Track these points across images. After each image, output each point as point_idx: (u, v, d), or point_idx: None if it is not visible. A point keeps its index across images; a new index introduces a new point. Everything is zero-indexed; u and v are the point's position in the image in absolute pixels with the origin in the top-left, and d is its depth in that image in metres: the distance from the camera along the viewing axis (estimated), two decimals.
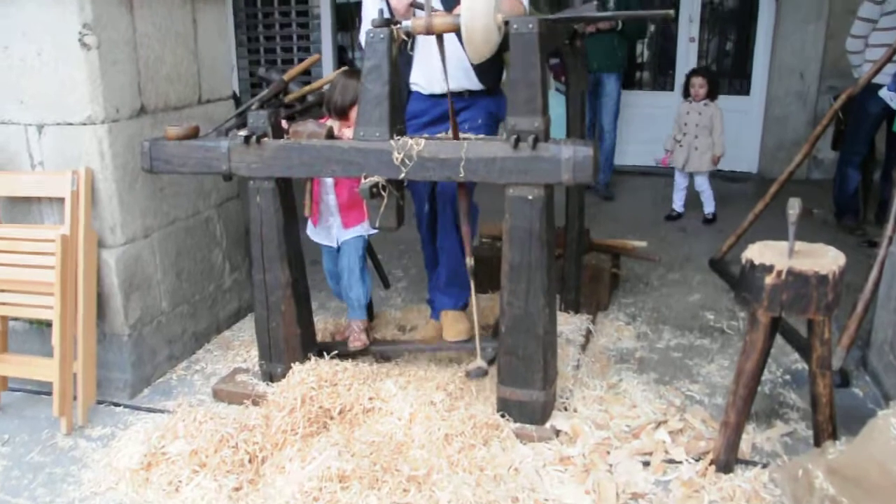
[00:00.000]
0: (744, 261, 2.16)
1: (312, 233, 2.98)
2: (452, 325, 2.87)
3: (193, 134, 2.61)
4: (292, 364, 2.67)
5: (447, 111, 2.79)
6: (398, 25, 2.33)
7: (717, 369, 2.94)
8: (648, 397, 2.67)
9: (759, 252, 2.12)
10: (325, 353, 2.75)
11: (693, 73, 5.08)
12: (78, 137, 2.61)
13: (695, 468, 2.21)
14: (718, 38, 6.87)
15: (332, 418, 2.48)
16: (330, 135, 2.48)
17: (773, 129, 6.50)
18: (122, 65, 2.67)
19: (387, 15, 2.56)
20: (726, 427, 2.20)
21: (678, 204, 5.27)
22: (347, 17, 7.44)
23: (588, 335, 3.16)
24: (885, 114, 4.51)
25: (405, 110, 2.70)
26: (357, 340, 2.86)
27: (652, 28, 6.77)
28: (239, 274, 3.52)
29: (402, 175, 2.32)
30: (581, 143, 2.19)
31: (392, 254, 4.33)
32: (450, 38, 2.59)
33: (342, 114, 2.72)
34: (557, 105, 6.66)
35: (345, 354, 2.82)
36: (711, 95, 4.98)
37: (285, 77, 3.06)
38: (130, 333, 2.81)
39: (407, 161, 2.30)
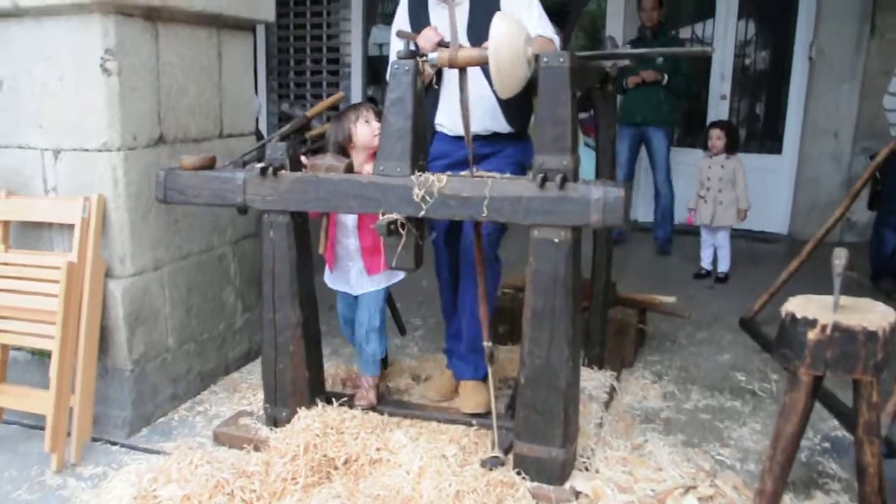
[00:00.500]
0: (784, 314, 1.99)
1: (329, 278, 2.87)
2: (471, 397, 2.71)
3: (210, 164, 2.54)
4: (298, 409, 2.53)
5: (474, 154, 2.71)
6: (424, 58, 2.26)
7: (750, 433, 2.75)
8: (675, 460, 2.48)
9: (801, 306, 1.96)
10: (333, 401, 2.61)
11: (712, 125, 4.99)
12: (93, 164, 2.55)
13: None
14: (750, 96, 6.79)
15: (336, 468, 2.33)
16: (349, 169, 2.39)
17: (805, 189, 6.35)
18: (143, 92, 2.63)
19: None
20: (762, 496, 2.00)
21: (706, 262, 5.10)
22: (378, 71, 7.50)
23: (612, 392, 2.99)
24: None
25: (428, 148, 2.61)
26: (364, 399, 2.71)
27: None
28: (251, 314, 3.41)
29: (422, 213, 2.22)
30: (612, 184, 2.08)
31: (411, 302, 4.20)
32: (477, 77, 2.52)
33: (339, 150, 2.63)
34: (587, 160, 6.60)
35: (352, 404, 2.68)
36: (730, 149, 4.86)
37: (308, 113, 3.01)
38: (133, 369, 2.69)
39: (427, 198, 2.20)
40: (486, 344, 2.44)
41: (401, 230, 2.24)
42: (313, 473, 2.27)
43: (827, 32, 6.05)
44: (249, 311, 3.40)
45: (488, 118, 2.64)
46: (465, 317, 2.74)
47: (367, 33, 7.38)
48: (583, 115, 6.84)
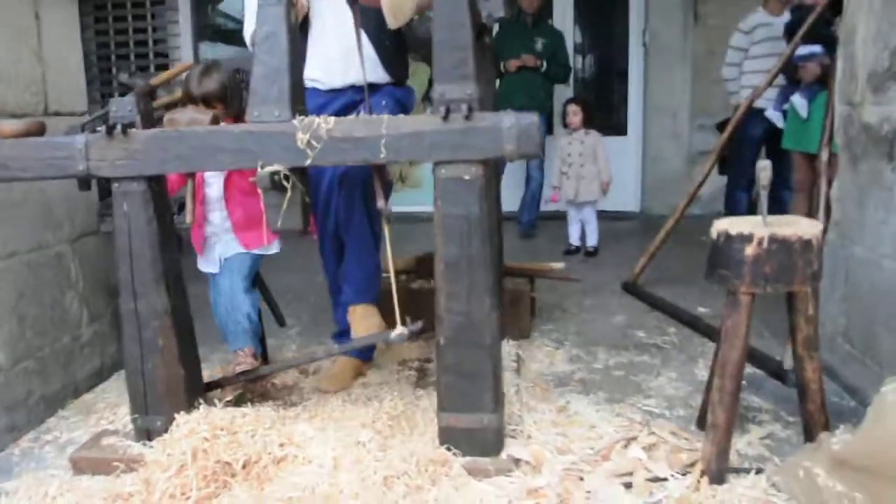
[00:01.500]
0: (715, 234, 1.90)
1: (200, 263, 2.51)
2: (362, 321, 2.47)
3: (37, 131, 2.10)
4: (176, 415, 2.12)
5: (349, 103, 2.47)
6: None
7: (668, 382, 2.67)
8: (605, 417, 2.33)
9: (731, 224, 1.88)
10: (216, 403, 2.22)
11: (568, 101, 5.05)
12: None
13: (684, 483, 1.87)
14: (594, 84, 7.00)
15: (234, 475, 1.95)
16: (215, 122, 2.05)
17: (651, 168, 6.62)
18: None
19: None
20: (715, 430, 1.88)
21: (574, 237, 5.12)
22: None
23: (519, 361, 2.81)
24: (765, 136, 4.64)
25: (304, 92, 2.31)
26: (243, 364, 2.37)
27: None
28: (100, 325, 2.91)
29: (309, 161, 1.92)
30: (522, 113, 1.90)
31: (280, 302, 3.82)
32: (348, 28, 2.28)
33: (206, 103, 2.30)
34: None
35: (241, 400, 2.31)
36: (588, 124, 4.93)
37: (152, 81, 2.60)
38: None
39: (314, 143, 1.91)
40: (382, 203, 2.17)
41: (284, 183, 1.92)
42: (207, 484, 1.89)
43: (657, 20, 6.38)
44: (98, 320, 2.89)
45: (366, 69, 2.39)
46: (351, 254, 2.54)
47: (196, 49, 6.80)
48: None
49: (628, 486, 1.91)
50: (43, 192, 2.57)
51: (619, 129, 6.65)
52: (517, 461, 2.01)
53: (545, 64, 5.38)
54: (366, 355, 2.76)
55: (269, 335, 2.91)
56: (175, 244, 2.18)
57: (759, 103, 4.36)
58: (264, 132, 1.93)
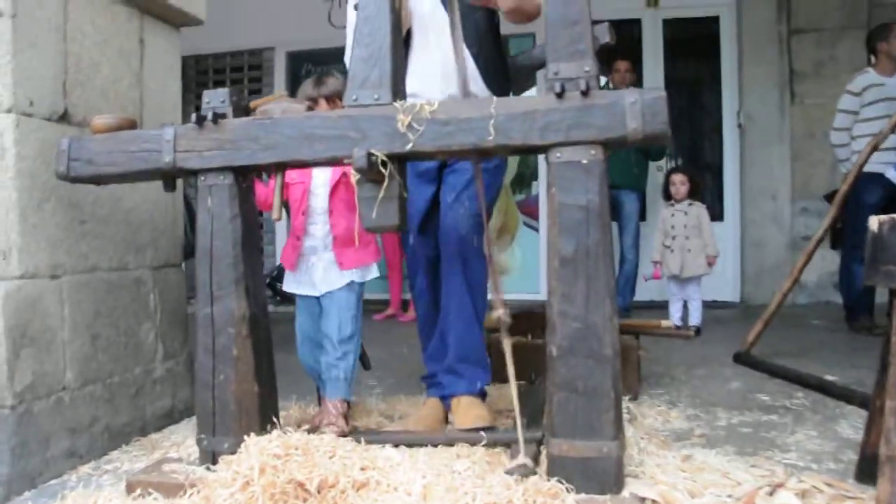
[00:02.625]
0: (876, 227, 1.60)
1: (288, 282, 2.33)
2: (467, 412, 2.16)
3: (129, 127, 2.02)
4: (246, 437, 1.88)
5: None
6: None
7: (807, 438, 2.27)
8: (738, 467, 1.95)
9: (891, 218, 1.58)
10: (291, 430, 1.97)
11: (673, 171, 4.79)
12: None
13: None
14: (686, 166, 6.76)
15: (306, 498, 1.67)
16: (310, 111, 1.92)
17: (751, 254, 6.23)
18: (45, 52, 2.12)
19: None
20: (892, 464, 1.51)
21: (676, 317, 4.71)
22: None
23: (630, 414, 2.46)
24: (881, 203, 4.27)
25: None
26: (332, 425, 2.10)
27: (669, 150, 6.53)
28: (175, 364, 2.74)
29: (410, 145, 1.75)
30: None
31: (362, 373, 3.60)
32: (446, 38, 2.17)
33: (328, 101, 2.21)
34: (531, 244, 6.30)
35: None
36: (693, 194, 4.66)
37: (251, 105, 2.55)
38: (15, 406, 1.99)
39: (416, 126, 1.74)
40: (502, 312, 1.87)
41: (382, 169, 1.75)
42: (276, 503, 1.62)
43: (752, 100, 6.18)
44: (173, 358, 2.73)
45: (466, 81, 2.26)
46: (452, 316, 2.22)
47: None
48: (520, 197, 6.61)
49: None
50: (128, 213, 2.50)
51: (716, 213, 6.34)
52: (642, 500, 1.66)
53: None
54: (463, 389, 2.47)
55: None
56: (259, 247, 2.02)
57: (874, 167, 4.05)
58: (363, 116, 1.79)
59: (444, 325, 2.29)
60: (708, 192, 6.53)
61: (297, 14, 6.15)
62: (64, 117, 2.21)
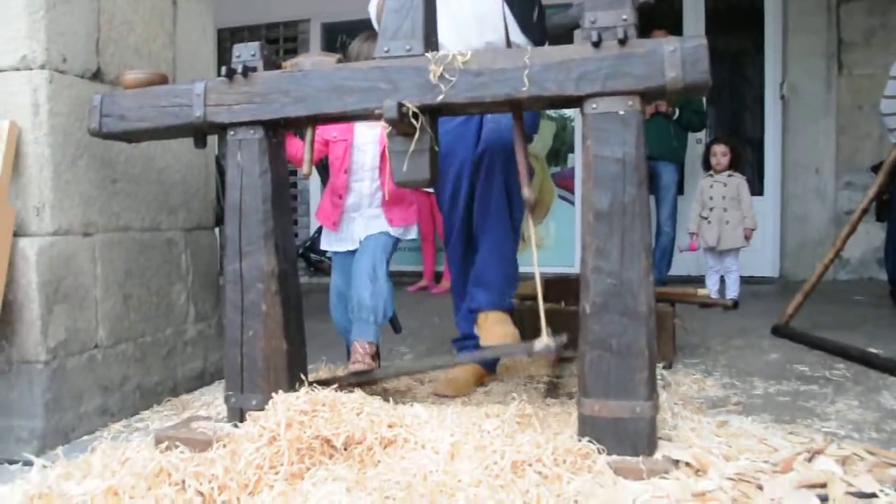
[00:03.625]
0: None
1: (327, 239, 2.33)
2: (494, 328, 2.13)
3: (160, 82, 2.01)
4: (274, 394, 1.87)
5: None
6: None
7: (847, 408, 2.19)
8: (776, 433, 1.89)
9: None
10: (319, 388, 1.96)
11: (714, 141, 4.66)
12: (6, 83, 1.99)
13: None
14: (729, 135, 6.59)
15: (332, 455, 1.66)
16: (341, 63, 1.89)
17: (792, 229, 6.06)
18: (78, 7, 2.12)
19: None
20: None
21: (713, 290, 4.60)
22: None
23: (665, 381, 2.41)
24: None
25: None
26: (359, 363, 2.10)
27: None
28: (206, 327, 2.76)
29: (442, 97, 1.71)
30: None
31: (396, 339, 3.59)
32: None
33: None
34: (566, 214, 6.18)
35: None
36: (734, 166, 4.53)
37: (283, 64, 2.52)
38: (48, 361, 2.01)
39: (448, 77, 1.70)
40: (525, 191, 1.82)
41: (413, 121, 1.71)
42: (301, 458, 1.61)
43: (796, 71, 5.98)
44: (204, 321, 2.74)
45: (499, 28, 2.20)
46: (489, 223, 2.20)
47: None
48: (555, 170, 6.48)
49: (824, 499, 1.47)
50: (161, 173, 2.50)
51: (756, 188, 6.17)
52: (676, 463, 1.62)
53: (678, 111, 5.09)
54: (489, 366, 2.45)
55: (382, 352, 2.67)
56: (289, 204, 2.01)
57: None
58: (394, 67, 1.75)
59: (480, 232, 2.24)
60: (749, 164, 6.38)
61: None
62: (97, 75, 2.21)
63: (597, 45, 1.62)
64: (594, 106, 1.64)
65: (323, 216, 2.33)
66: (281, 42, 6.53)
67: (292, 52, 6.46)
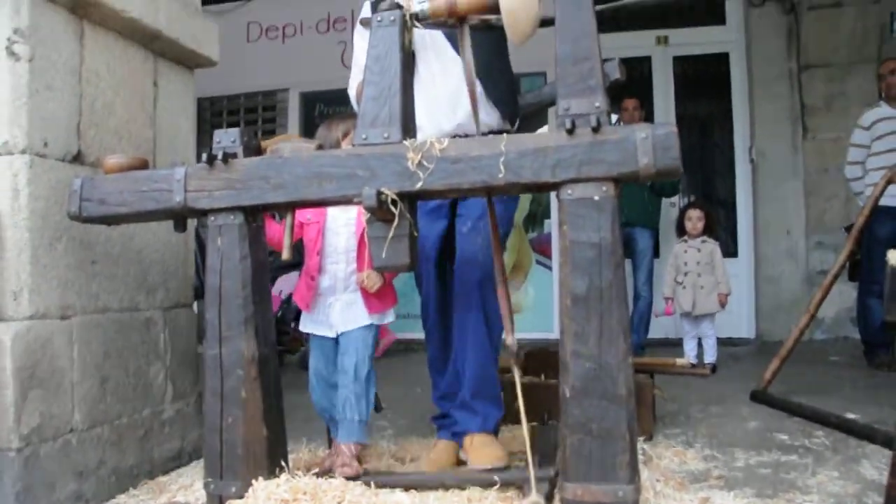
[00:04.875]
0: (894, 262, 1.57)
1: (304, 321, 2.32)
2: (481, 451, 2.12)
3: (140, 166, 2.03)
4: (254, 481, 1.85)
5: None
6: (411, 9, 1.89)
7: (828, 479, 2.20)
8: None
9: None
10: (300, 474, 1.93)
11: (690, 206, 4.76)
12: None
13: None
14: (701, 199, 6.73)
15: None
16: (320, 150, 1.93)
17: (766, 290, 6.16)
18: (60, 94, 2.15)
19: None
20: None
21: (691, 355, 4.61)
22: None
23: (645, 455, 2.40)
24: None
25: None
26: (346, 466, 2.06)
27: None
28: (185, 405, 2.72)
29: (420, 184, 1.75)
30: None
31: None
32: (454, 66, 2.17)
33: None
34: (543, 281, 6.22)
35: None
36: (708, 231, 4.62)
37: (262, 144, 2.56)
38: (20, 448, 1.96)
39: (426, 164, 1.74)
40: (509, 338, 1.84)
41: (392, 208, 1.74)
42: None
43: (763, 135, 6.17)
44: (182, 399, 2.71)
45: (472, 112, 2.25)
46: (467, 351, 2.19)
47: None
48: (532, 235, 6.54)
49: None
50: (140, 253, 2.50)
51: (730, 250, 6.28)
52: None
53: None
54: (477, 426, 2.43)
55: None
56: (268, 289, 2.01)
57: (889, 201, 4.02)
58: (372, 154, 1.79)
59: (460, 359, 2.25)
60: (721, 228, 6.49)
61: (310, 55, 6.23)
62: (77, 157, 2.23)
63: (571, 132, 1.68)
64: (569, 192, 1.69)
65: (299, 297, 2.34)
66: (260, 111, 6.62)
67: (271, 121, 6.56)
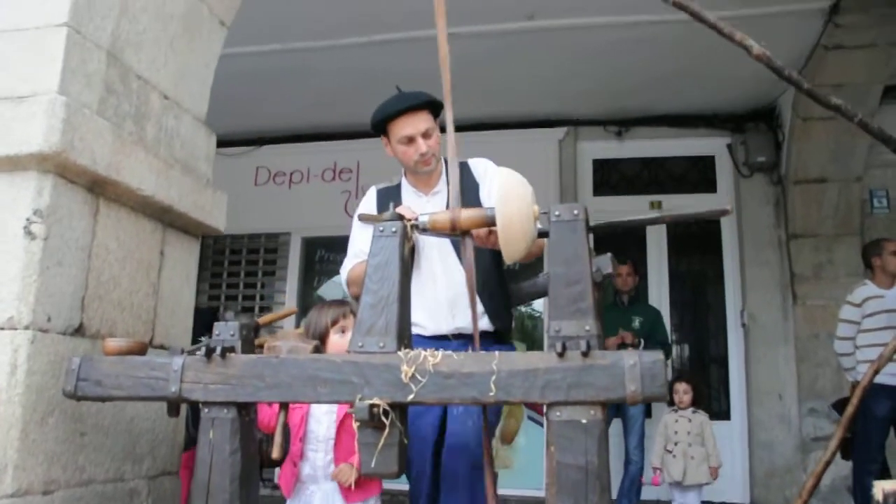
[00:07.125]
0: (881, 497, 1.59)
1: None
2: None
3: (139, 351, 2.08)
4: None
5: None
6: (413, 221, 2.00)
7: None
8: None
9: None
10: None
11: (676, 379, 4.81)
12: None
13: None
14: (690, 367, 6.75)
15: None
16: (317, 351, 1.98)
17: (760, 455, 6.08)
18: (69, 269, 2.22)
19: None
20: None
21: None
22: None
23: None
24: (890, 415, 4.25)
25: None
26: None
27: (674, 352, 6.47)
28: None
29: (412, 396, 1.78)
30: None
31: None
32: (455, 272, 2.28)
33: (321, 337, 2.26)
34: (534, 438, 6.16)
35: None
36: (696, 403, 4.66)
37: (259, 320, 2.63)
38: None
39: (419, 377, 1.78)
40: None
41: (383, 419, 1.77)
42: None
43: (755, 300, 6.30)
44: None
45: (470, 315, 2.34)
46: None
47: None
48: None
49: None
50: (130, 423, 2.50)
51: (722, 412, 6.26)
52: None
53: (643, 342, 5.27)
54: None
55: None
56: (257, 482, 2.01)
57: (883, 379, 4.05)
58: (367, 363, 1.83)
59: None
60: (714, 390, 6.49)
61: (315, 202, 6.47)
62: (79, 330, 2.27)
63: (561, 354, 1.73)
64: (558, 414, 1.72)
65: (283, 482, 2.33)
66: (262, 252, 6.78)
67: (272, 263, 6.70)
